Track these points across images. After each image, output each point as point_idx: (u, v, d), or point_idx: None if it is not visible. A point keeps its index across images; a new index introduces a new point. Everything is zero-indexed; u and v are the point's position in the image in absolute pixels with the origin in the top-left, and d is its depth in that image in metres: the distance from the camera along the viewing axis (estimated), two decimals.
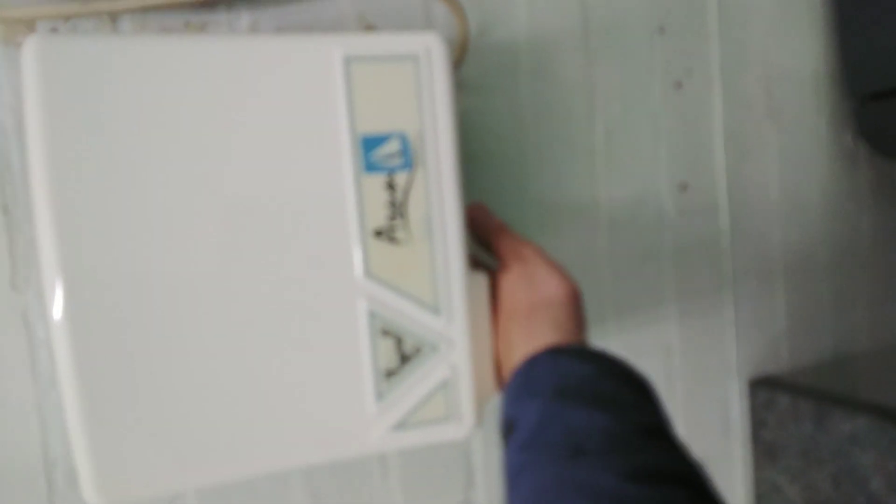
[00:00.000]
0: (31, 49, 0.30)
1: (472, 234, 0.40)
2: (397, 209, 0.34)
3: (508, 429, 0.32)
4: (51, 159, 0.30)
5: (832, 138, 0.64)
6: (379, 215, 0.34)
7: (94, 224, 0.31)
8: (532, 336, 0.35)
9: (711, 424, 0.61)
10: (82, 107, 0.31)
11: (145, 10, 0.38)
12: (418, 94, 0.34)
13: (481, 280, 0.37)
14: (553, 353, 0.33)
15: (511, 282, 0.37)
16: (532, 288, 0.36)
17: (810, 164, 0.64)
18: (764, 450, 0.61)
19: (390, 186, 0.34)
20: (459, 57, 0.47)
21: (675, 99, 0.57)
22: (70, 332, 0.31)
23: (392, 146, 0.34)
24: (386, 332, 0.35)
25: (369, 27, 0.46)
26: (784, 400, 0.58)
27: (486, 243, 0.40)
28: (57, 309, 0.30)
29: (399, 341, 0.35)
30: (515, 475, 0.30)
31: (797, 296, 0.64)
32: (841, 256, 0.66)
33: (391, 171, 0.34)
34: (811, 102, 0.63)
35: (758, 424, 0.61)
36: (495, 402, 0.38)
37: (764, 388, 0.60)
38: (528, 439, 0.30)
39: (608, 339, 0.56)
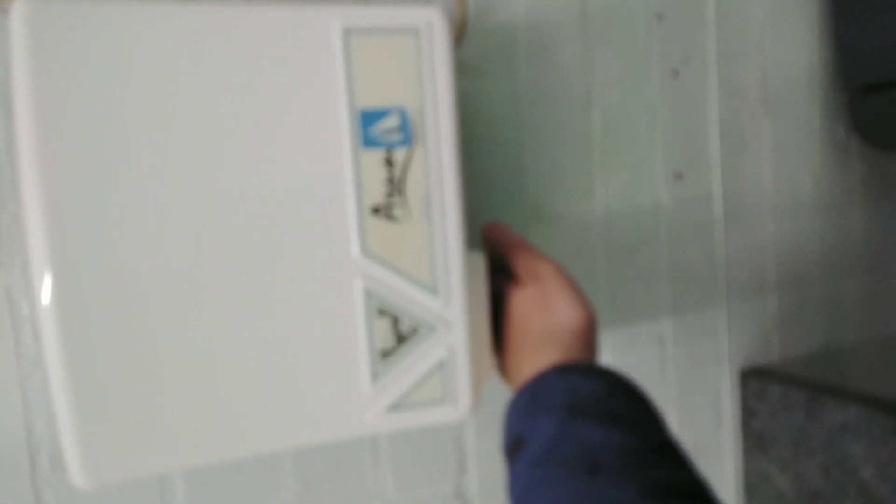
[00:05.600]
0: (19, 14, 0.29)
1: (487, 250, 0.39)
2: (395, 186, 0.34)
3: (516, 445, 0.32)
4: (40, 130, 0.29)
5: (825, 130, 0.64)
6: (377, 192, 0.33)
7: (83, 201, 0.30)
8: (542, 358, 0.34)
9: (703, 414, 0.61)
10: (72, 75, 0.29)
11: None
12: (418, 69, 0.34)
13: (479, 261, 0.37)
14: (562, 371, 0.33)
15: (526, 300, 0.36)
16: (547, 310, 0.36)
17: (803, 155, 0.64)
18: (754, 439, 0.61)
19: (389, 163, 0.33)
20: (457, 36, 0.46)
21: (672, 87, 0.57)
22: (58, 316, 0.29)
23: (391, 121, 0.33)
24: (382, 312, 0.34)
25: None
26: (775, 390, 0.58)
27: (503, 258, 0.39)
28: (45, 293, 0.29)
29: (395, 321, 0.34)
30: (527, 491, 0.29)
31: (788, 287, 0.64)
32: (832, 247, 0.66)
33: (390, 147, 0.33)
34: (805, 94, 0.63)
35: (748, 414, 0.61)
36: (491, 391, 0.37)
37: (755, 378, 0.60)
38: (540, 455, 0.30)
39: (602, 328, 0.56)
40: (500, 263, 0.40)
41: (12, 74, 0.29)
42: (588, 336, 0.36)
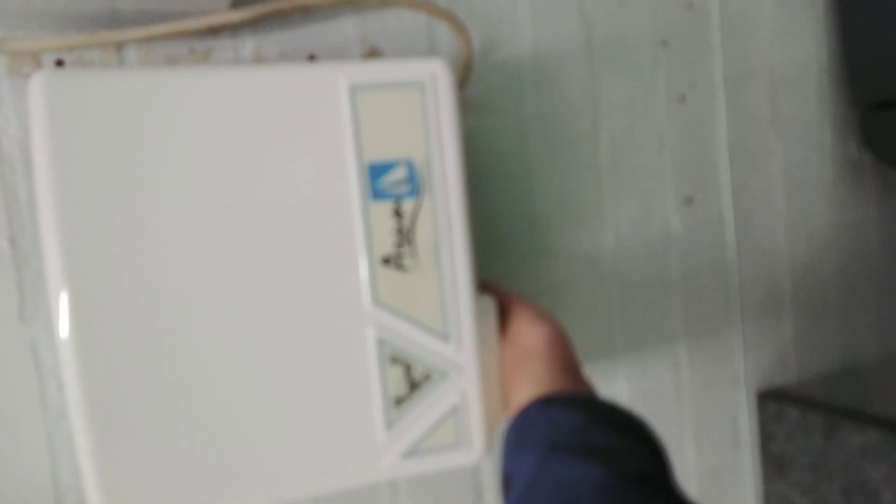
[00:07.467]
0: (37, 84, 0.30)
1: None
2: (405, 236, 0.34)
3: (506, 484, 0.32)
4: (57, 191, 0.30)
5: (837, 148, 0.64)
6: (386, 242, 0.34)
7: (100, 256, 0.31)
8: (519, 390, 0.35)
9: (720, 437, 0.60)
10: (89, 139, 0.31)
11: (150, 39, 0.38)
12: (424, 121, 0.34)
13: (490, 305, 0.37)
14: (544, 403, 0.33)
15: (503, 341, 0.38)
16: (513, 341, 0.37)
17: (815, 174, 0.63)
18: (773, 463, 0.60)
19: (397, 213, 0.34)
20: (463, 77, 0.47)
21: (680, 112, 0.57)
22: (77, 351, 0.30)
23: (399, 173, 0.34)
24: (395, 360, 0.35)
25: (373, 50, 0.46)
26: (793, 413, 0.58)
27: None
28: (63, 328, 0.30)
29: (408, 368, 0.35)
30: None
31: (804, 307, 0.64)
32: (847, 266, 0.66)
33: (398, 199, 0.34)
34: (815, 112, 0.63)
35: (767, 437, 0.61)
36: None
37: (773, 401, 0.60)
38: (522, 497, 0.29)
39: (616, 356, 0.56)
40: None
41: (32, 138, 0.30)
42: (552, 351, 0.36)
